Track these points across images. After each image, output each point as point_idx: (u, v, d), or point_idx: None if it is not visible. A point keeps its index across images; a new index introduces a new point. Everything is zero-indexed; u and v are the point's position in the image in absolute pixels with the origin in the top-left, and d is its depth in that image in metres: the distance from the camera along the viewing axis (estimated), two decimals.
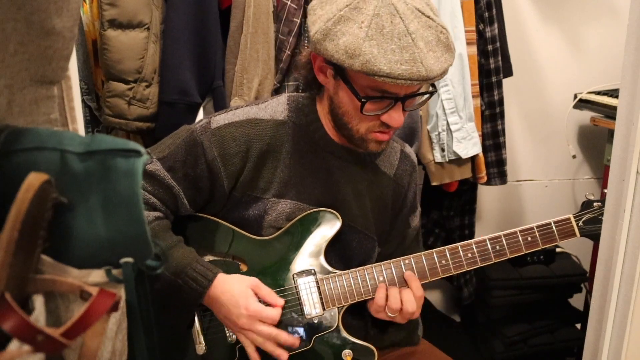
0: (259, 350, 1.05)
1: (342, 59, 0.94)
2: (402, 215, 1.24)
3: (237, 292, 1.03)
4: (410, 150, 1.26)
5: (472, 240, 1.12)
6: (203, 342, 1.08)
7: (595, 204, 1.15)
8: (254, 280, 1.06)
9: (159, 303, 1.03)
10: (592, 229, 1.14)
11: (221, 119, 1.10)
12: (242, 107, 1.13)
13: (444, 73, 0.97)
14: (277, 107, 1.12)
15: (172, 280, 1.02)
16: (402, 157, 1.23)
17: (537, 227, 1.13)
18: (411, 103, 1.04)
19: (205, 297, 1.04)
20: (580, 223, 1.14)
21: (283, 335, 1.04)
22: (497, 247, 1.12)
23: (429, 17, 0.96)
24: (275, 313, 1.03)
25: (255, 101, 1.19)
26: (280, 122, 1.11)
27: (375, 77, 0.93)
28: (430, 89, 1.04)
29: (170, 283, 1.02)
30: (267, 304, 1.05)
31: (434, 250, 1.12)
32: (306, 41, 1.50)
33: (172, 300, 1.03)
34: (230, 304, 1.02)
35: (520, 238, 1.12)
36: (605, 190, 1.18)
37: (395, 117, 1.02)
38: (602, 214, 1.13)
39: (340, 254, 1.16)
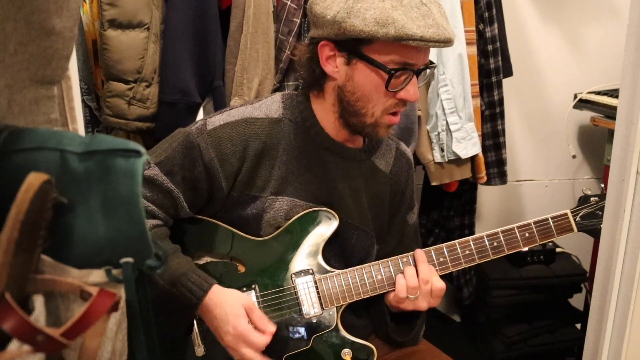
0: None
1: (374, 30, 0.97)
2: (400, 214, 1.24)
3: (229, 308, 1.02)
4: (405, 148, 1.27)
5: (469, 237, 1.13)
6: (202, 344, 1.08)
7: (592, 198, 1.15)
8: (249, 301, 1.05)
9: (156, 308, 1.03)
10: (589, 224, 1.14)
11: (216, 120, 1.10)
12: (236, 107, 1.14)
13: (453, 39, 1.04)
14: (271, 106, 1.13)
15: (167, 289, 1.02)
16: (397, 154, 1.24)
17: (534, 222, 1.13)
18: (421, 78, 1.09)
19: (199, 308, 1.04)
20: (578, 218, 1.13)
21: None
22: (495, 244, 1.12)
23: None
24: (261, 340, 1.01)
25: (250, 101, 1.20)
26: (275, 120, 1.11)
27: (409, 41, 0.97)
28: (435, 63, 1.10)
29: (166, 292, 1.02)
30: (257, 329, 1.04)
31: (431, 247, 1.13)
32: (305, 39, 1.50)
33: (168, 308, 1.03)
34: (220, 318, 1.02)
35: (517, 234, 1.12)
36: (602, 186, 1.18)
37: (413, 91, 1.05)
38: (599, 209, 1.13)
39: (339, 252, 1.16)
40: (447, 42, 1.00)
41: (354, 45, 1.02)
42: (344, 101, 1.08)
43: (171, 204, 1.08)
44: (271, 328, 1.04)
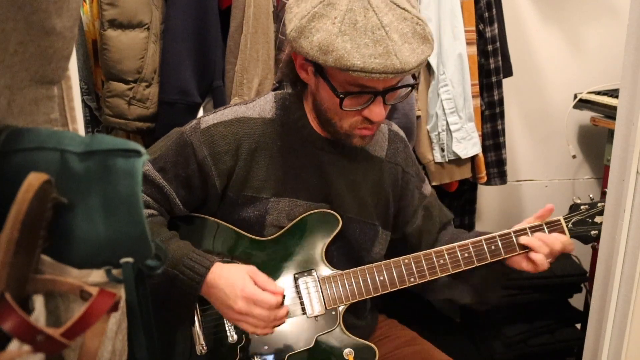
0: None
1: (316, 56, 0.94)
2: (410, 190, 1.24)
3: (234, 276, 1.01)
4: (397, 128, 1.27)
5: (468, 241, 1.14)
6: (203, 342, 1.08)
7: (582, 207, 1.18)
8: (251, 267, 1.04)
9: (157, 298, 1.03)
10: (580, 230, 1.17)
11: (210, 119, 1.10)
12: (230, 107, 1.14)
13: (420, 65, 0.97)
14: (265, 106, 1.13)
15: (169, 271, 1.01)
16: (390, 136, 1.24)
17: (530, 228, 1.15)
18: (392, 97, 1.04)
19: (203, 286, 1.02)
20: (570, 225, 1.17)
21: (281, 313, 1.01)
22: (493, 247, 1.13)
23: (404, 9, 0.96)
24: (270, 298, 0.99)
25: (243, 100, 1.20)
26: (268, 120, 1.11)
27: (349, 72, 0.93)
28: (412, 81, 1.05)
29: (167, 275, 1.01)
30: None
31: (432, 250, 1.13)
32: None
33: (170, 293, 1.03)
34: (227, 287, 1.00)
35: (514, 238, 1.13)
36: (591, 196, 1.21)
37: (377, 112, 1.02)
38: (589, 217, 1.17)
39: (344, 248, 1.17)
40: (397, 73, 0.94)
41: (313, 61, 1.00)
42: (317, 108, 1.09)
43: (164, 200, 1.08)
44: (279, 288, 1.02)
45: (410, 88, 1.06)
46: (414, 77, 1.06)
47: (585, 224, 1.17)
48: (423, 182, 1.27)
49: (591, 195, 1.21)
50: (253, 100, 1.15)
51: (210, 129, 1.08)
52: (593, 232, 1.16)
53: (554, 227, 1.15)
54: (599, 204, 1.16)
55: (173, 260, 1.02)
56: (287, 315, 1.04)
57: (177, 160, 1.07)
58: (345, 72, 0.94)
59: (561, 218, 1.17)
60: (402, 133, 1.27)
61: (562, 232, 1.16)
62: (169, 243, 1.04)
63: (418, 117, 1.68)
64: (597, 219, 1.16)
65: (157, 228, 1.06)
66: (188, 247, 1.05)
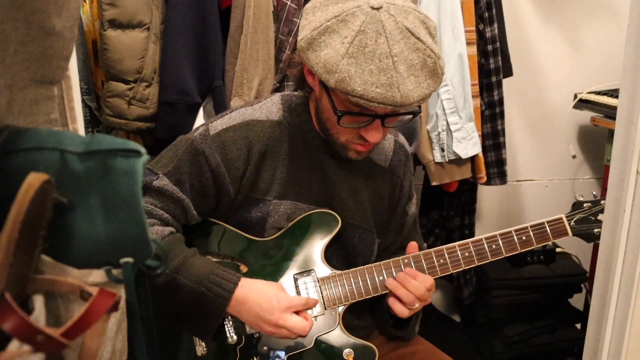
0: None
1: (320, 72, 0.94)
2: (400, 205, 1.25)
3: (266, 288, 1.03)
4: (403, 140, 1.27)
5: (469, 240, 1.14)
6: (203, 343, 1.08)
7: (585, 204, 1.18)
8: (277, 283, 1.07)
9: (181, 314, 1.02)
10: (583, 229, 1.17)
11: (218, 124, 1.09)
12: (236, 109, 1.13)
13: (423, 99, 0.95)
14: (271, 108, 1.13)
15: (195, 288, 1.00)
16: (396, 147, 1.24)
17: (531, 226, 1.15)
18: (392, 121, 1.03)
19: (231, 301, 1.02)
20: (572, 223, 1.16)
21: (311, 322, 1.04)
22: (494, 246, 1.13)
23: (418, 38, 0.93)
24: (302, 299, 1.04)
25: (249, 102, 1.19)
26: (276, 122, 1.11)
27: (349, 96, 0.93)
28: (416, 109, 1.03)
29: (192, 292, 1.00)
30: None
31: (432, 249, 1.13)
32: None
33: (195, 310, 1.02)
34: (261, 299, 1.01)
35: (515, 237, 1.14)
36: (594, 193, 1.21)
37: (374, 134, 1.01)
38: (592, 214, 1.17)
39: (342, 252, 1.17)
40: (396, 106, 0.92)
41: None
42: (318, 115, 1.09)
43: (182, 213, 1.07)
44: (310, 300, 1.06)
45: (411, 115, 1.04)
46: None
47: (588, 222, 1.16)
48: (410, 199, 1.27)
49: (594, 193, 1.20)
50: (259, 102, 1.14)
51: (220, 135, 1.07)
52: (596, 230, 1.16)
53: (555, 225, 1.15)
54: (602, 202, 1.16)
55: (198, 277, 1.01)
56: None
57: (191, 170, 1.06)
58: (345, 95, 0.94)
59: (563, 216, 1.16)
60: (407, 146, 1.26)
61: (564, 230, 1.15)
62: (193, 259, 1.03)
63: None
64: (600, 217, 1.15)
65: (179, 245, 1.05)
66: (212, 264, 1.04)
